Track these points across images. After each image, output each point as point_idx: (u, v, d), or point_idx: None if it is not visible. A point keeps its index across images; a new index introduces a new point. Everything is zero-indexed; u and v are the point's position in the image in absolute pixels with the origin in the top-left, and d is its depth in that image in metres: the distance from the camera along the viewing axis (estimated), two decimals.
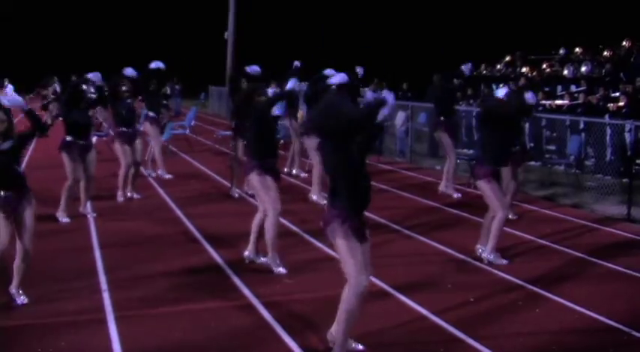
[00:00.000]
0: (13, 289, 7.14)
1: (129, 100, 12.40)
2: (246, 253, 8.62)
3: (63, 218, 10.79)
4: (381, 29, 57.62)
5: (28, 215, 7.03)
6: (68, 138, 10.77)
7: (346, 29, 59.92)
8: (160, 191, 13.50)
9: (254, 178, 8.33)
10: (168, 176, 14.79)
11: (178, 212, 11.58)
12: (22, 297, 7.10)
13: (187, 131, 21.35)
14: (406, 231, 10.34)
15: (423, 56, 50.29)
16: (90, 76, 11.80)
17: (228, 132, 16.54)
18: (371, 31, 58.62)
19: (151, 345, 6.15)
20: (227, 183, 13.49)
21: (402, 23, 56.57)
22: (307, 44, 59.79)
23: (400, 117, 18.91)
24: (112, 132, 12.69)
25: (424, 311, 7.01)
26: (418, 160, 18.06)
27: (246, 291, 7.54)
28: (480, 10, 50.18)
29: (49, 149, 11.55)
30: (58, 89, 25.86)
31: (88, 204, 11.23)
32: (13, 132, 7.03)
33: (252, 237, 8.58)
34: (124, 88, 12.16)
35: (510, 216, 10.81)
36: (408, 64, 46.25)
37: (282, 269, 8.22)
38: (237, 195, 12.76)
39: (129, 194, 12.56)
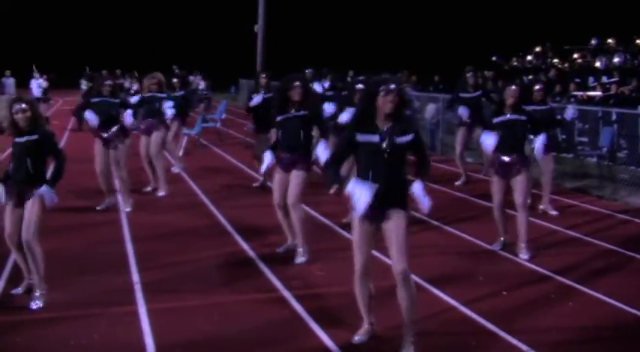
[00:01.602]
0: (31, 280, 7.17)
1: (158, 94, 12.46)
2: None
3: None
4: (413, 21, 57.34)
5: (29, 206, 6.88)
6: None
7: (377, 22, 59.77)
8: (191, 184, 13.53)
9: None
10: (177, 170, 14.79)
11: (209, 204, 11.60)
12: (35, 302, 6.93)
13: (218, 124, 21.40)
14: (436, 223, 10.27)
15: (455, 48, 50.04)
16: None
17: None
18: (402, 22, 58.41)
19: (182, 338, 6.14)
20: (257, 176, 13.48)
21: (433, 15, 56.27)
22: (337, 37, 59.76)
23: (431, 109, 18.79)
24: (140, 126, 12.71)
25: (455, 303, 6.95)
26: (449, 152, 17.95)
27: (277, 284, 7.52)
28: (511, 1, 49.75)
29: (82, 142, 11.58)
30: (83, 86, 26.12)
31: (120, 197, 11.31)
32: (38, 125, 7.02)
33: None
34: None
35: (552, 212, 10.90)
36: (440, 56, 46.01)
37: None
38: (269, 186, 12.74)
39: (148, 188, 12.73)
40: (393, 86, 5.55)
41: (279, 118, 8.42)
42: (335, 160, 5.97)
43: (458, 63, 24.63)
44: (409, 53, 49.63)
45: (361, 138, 5.64)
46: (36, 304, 6.85)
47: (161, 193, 12.40)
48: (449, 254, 8.85)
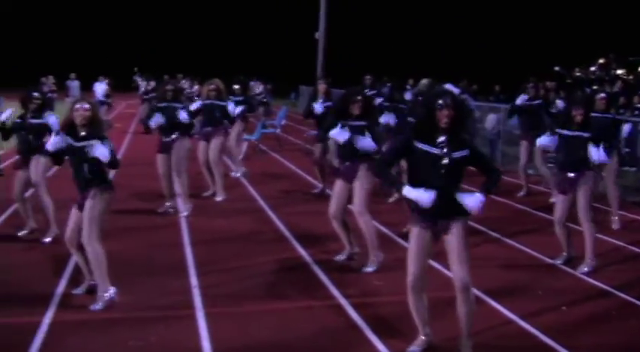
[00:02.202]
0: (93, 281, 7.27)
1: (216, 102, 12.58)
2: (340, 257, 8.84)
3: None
4: (475, 30, 56.97)
5: (87, 207, 6.95)
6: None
7: (440, 29, 59.49)
8: (250, 189, 13.60)
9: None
10: (237, 174, 14.94)
11: (268, 210, 11.64)
12: (108, 293, 7.06)
13: (278, 130, 21.49)
14: (496, 235, 10.16)
15: (517, 57, 49.53)
16: None
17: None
18: (464, 31, 58.05)
19: (239, 343, 6.16)
20: (316, 183, 13.49)
21: (495, 24, 55.82)
22: (397, 45, 59.62)
23: (491, 119, 18.59)
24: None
25: (513, 317, 6.85)
26: (509, 163, 17.72)
27: (334, 291, 7.51)
28: (574, 11, 49.10)
29: (144, 146, 11.75)
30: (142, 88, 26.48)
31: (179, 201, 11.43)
32: (98, 128, 7.07)
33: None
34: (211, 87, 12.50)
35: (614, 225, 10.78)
36: (501, 66, 45.61)
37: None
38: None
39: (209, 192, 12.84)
40: (449, 100, 5.51)
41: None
42: (388, 161, 5.96)
43: (519, 72, 24.39)
44: (470, 62, 49.28)
45: (419, 145, 5.61)
46: (97, 305, 6.95)
47: (219, 198, 12.50)
48: (508, 266, 8.74)
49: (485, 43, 55.32)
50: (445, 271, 7.45)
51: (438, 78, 16.67)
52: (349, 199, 8.46)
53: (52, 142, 7.10)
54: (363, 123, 8.33)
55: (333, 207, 8.52)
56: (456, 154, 5.57)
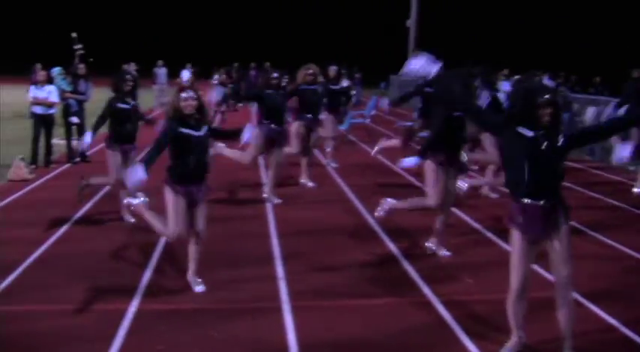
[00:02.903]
0: (190, 277, 7.36)
1: (313, 87, 12.65)
2: (428, 244, 8.75)
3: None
4: (576, 20, 55.74)
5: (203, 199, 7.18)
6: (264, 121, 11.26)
7: (538, 19, 58.40)
8: (339, 180, 13.58)
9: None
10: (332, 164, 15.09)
11: (356, 202, 11.60)
12: (198, 286, 7.27)
13: (367, 120, 21.41)
14: (592, 233, 9.87)
15: (619, 48, 48.22)
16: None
17: (409, 123, 16.49)
18: (564, 21, 56.87)
19: (326, 338, 6.15)
20: (405, 175, 13.39)
21: (597, 15, 54.51)
22: (492, 33, 58.75)
23: (591, 112, 18.11)
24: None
25: (615, 322, 6.62)
26: (608, 158, 17.23)
27: (425, 288, 7.42)
28: None
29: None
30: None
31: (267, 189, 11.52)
32: (205, 117, 7.18)
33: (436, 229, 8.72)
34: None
35: None
36: (602, 57, 44.49)
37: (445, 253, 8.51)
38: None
39: (302, 181, 12.88)
40: (549, 97, 5.39)
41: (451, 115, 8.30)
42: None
43: (621, 64, 23.69)
44: (570, 52, 48.24)
45: (521, 130, 5.48)
46: (199, 288, 7.23)
47: (310, 184, 12.73)
48: (607, 267, 8.47)
49: (586, 35, 54.05)
50: (542, 271, 7.28)
51: (534, 68, 16.32)
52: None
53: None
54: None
55: (436, 197, 8.44)
56: (558, 144, 5.44)
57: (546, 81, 18.11)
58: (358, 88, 30.75)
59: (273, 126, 11.26)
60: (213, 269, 7.69)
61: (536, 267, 7.43)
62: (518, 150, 5.45)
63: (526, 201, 5.45)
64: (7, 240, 9.01)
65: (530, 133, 5.42)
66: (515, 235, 5.59)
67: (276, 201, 11.32)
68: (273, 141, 11.29)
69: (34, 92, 14.44)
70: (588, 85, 26.10)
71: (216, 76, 26.82)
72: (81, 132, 15.07)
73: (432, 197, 8.39)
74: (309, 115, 12.64)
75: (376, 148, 12.62)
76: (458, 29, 59.48)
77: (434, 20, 47.49)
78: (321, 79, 13.90)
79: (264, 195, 11.51)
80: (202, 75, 34.61)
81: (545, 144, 5.38)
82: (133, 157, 9.76)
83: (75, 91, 15.12)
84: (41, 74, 14.57)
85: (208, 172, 7.19)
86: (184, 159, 6.98)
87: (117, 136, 9.78)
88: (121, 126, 9.75)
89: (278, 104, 11.29)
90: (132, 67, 27.62)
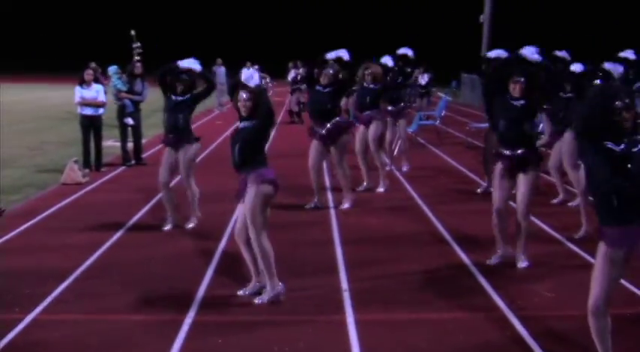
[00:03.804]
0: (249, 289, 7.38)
1: (372, 86, 12.63)
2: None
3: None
4: None
5: (249, 197, 7.10)
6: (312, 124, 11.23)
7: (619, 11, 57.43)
8: (407, 185, 13.50)
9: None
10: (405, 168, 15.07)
11: (426, 209, 11.51)
12: (262, 297, 7.23)
13: (437, 122, 21.27)
14: None
15: None
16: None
17: (483, 125, 16.32)
18: None
19: None
20: (481, 181, 13.26)
21: None
22: (573, 25, 57.89)
23: None
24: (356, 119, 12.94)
25: None
26: None
27: (499, 302, 7.28)
28: None
29: (294, 137, 11.87)
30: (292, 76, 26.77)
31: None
32: (259, 111, 7.21)
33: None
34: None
35: None
36: None
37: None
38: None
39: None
40: (628, 101, 5.18)
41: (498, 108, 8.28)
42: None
43: None
44: None
45: (605, 145, 5.29)
46: (261, 299, 7.16)
47: (380, 189, 12.76)
48: None
49: None
50: (628, 285, 7.11)
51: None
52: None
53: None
54: (524, 102, 8.20)
55: (496, 199, 8.41)
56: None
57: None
58: (430, 86, 30.39)
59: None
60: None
61: (624, 282, 7.28)
62: (602, 164, 5.27)
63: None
64: (60, 246, 9.16)
65: (615, 146, 5.22)
66: (602, 248, 5.37)
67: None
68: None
69: (80, 92, 14.54)
70: None
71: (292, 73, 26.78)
72: (136, 134, 15.26)
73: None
74: (368, 113, 12.74)
75: None
76: (535, 23, 58.74)
77: (509, 15, 46.99)
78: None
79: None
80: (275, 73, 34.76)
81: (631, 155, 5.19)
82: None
83: (131, 91, 15.24)
84: (88, 73, 14.67)
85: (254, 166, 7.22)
86: None
87: (170, 132, 10.01)
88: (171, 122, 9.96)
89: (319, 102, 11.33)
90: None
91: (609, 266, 5.33)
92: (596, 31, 56.50)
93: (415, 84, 27.39)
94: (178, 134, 9.79)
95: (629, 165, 5.18)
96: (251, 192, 7.07)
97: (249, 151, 7.16)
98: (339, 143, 11.28)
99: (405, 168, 15.04)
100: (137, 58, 16.00)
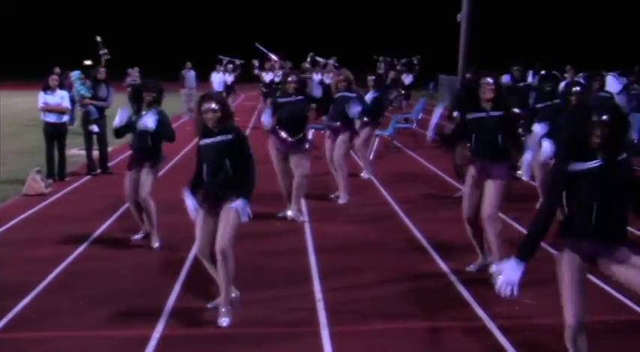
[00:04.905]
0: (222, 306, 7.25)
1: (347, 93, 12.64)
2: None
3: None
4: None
5: (224, 215, 7.02)
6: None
7: (596, 7, 57.97)
8: (382, 191, 13.51)
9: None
10: (367, 176, 14.92)
11: (402, 216, 11.52)
12: (223, 319, 7.00)
13: (414, 125, 21.31)
14: None
15: None
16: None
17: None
18: (629, 12, 56.43)
19: None
20: (459, 185, 13.29)
21: None
22: (553, 28, 58.35)
23: None
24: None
25: None
26: None
27: (479, 311, 7.30)
28: None
29: (264, 141, 11.82)
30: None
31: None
32: (230, 124, 7.15)
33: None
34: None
35: None
36: None
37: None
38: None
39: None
40: (605, 117, 5.11)
41: (469, 117, 8.27)
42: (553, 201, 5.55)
43: None
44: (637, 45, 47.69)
45: (578, 166, 5.28)
46: (224, 321, 6.97)
47: (342, 201, 12.53)
48: None
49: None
50: (612, 291, 7.14)
51: (600, 66, 16.15)
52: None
53: None
54: (500, 113, 8.16)
55: (465, 209, 8.48)
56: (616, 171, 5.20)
57: (612, 79, 17.92)
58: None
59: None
60: (244, 288, 7.63)
61: (605, 286, 7.32)
62: (579, 184, 5.26)
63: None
64: (20, 260, 9.08)
65: (589, 164, 5.20)
66: (563, 257, 5.37)
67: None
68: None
69: (44, 98, 14.41)
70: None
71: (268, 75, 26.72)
72: (102, 141, 15.16)
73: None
74: (337, 123, 12.62)
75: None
76: (515, 23, 59.16)
77: (488, 13, 47.26)
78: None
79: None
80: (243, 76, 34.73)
81: (606, 173, 5.16)
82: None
83: (95, 97, 15.13)
84: (53, 78, 14.57)
85: (235, 182, 7.16)
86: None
87: (134, 151, 9.89)
88: (136, 142, 9.84)
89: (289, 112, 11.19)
90: (135, 72, 28.19)
91: (576, 279, 5.29)
92: (574, 29, 56.97)
93: (397, 85, 27.56)
94: (145, 155, 9.74)
95: (597, 181, 5.19)
96: (232, 211, 7.00)
97: (238, 166, 7.13)
98: (300, 151, 11.20)
99: (367, 175, 14.96)
100: (103, 64, 15.96)
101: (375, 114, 14.47)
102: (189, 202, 7.16)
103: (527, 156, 8.98)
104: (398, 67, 31.60)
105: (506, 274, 5.27)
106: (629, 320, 5.57)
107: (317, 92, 13.38)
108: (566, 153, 5.40)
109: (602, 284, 7.42)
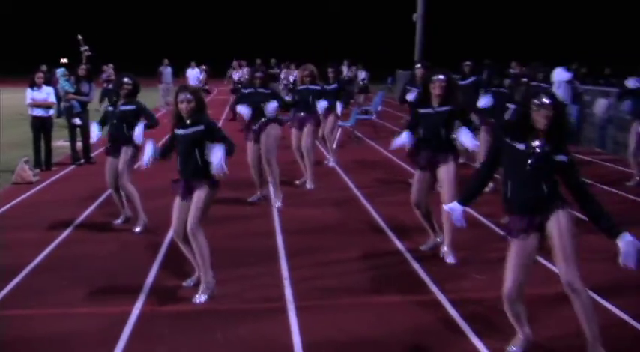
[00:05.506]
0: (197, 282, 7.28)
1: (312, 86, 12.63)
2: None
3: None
4: (583, 10, 55.59)
5: (195, 197, 7.02)
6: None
7: (544, 10, 58.25)
8: (345, 178, 13.54)
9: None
10: (332, 164, 14.93)
11: (363, 200, 11.56)
12: (199, 296, 7.03)
13: (373, 116, 21.35)
14: None
15: (628, 38, 48.03)
16: None
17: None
18: (569, 11, 56.71)
19: (331, 338, 6.10)
20: (413, 171, 13.34)
21: (605, 5, 54.33)
22: (501, 26, 58.58)
23: (601, 104, 17.98)
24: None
25: (625, 317, 6.56)
26: (620, 151, 17.15)
27: (432, 286, 7.37)
28: None
29: (236, 134, 11.83)
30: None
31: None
32: (202, 116, 7.14)
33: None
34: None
35: None
36: (611, 48, 44.30)
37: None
38: None
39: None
40: (546, 100, 5.23)
41: (420, 112, 8.31)
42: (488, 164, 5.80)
43: (631, 54, 23.55)
44: (579, 43, 48.04)
45: (509, 142, 5.39)
46: (199, 298, 6.98)
47: (309, 186, 12.54)
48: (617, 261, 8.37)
49: (593, 24, 53.84)
50: (549, 266, 7.22)
51: (545, 62, 16.26)
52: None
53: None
54: (447, 108, 8.19)
55: (414, 194, 8.51)
56: (551, 157, 5.29)
57: (561, 71, 18.07)
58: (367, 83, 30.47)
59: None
60: (216, 268, 7.61)
61: (544, 261, 7.40)
62: (507, 160, 5.46)
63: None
64: (10, 244, 9.01)
65: (519, 145, 5.35)
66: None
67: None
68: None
69: (31, 94, 14.36)
70: (598, 76, 25.95)
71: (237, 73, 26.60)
72: (85, 133, 15.07)
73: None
74: (302, 114, 12.65)
75: None
76: (467, 21, 59.29)
77: (442, 13, 47.36)
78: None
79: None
80: (215, 72, 34.60)
81: (532, 158, 5.29)
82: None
83: (78, 93, 15.08)
84: (39, 76, 14.49)
85: (205, 171, 7.10)
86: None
87: (112, 140, 9.82)
88: (114, 131, 9.76)
89: (255, 103, 11.14)
90: (110, 68, 28.10)
91: (514, 253, 5.45)
92: (528, 28, 57.25)
93: (355, 81, 27.55)
94: (120, 142, 9.67)
95: (528, 162, 5.27)
96: (201, 194, 7.01)
97: (204, 160, 7.08)
98: (269, 140, 11.18)
99: (332, 163, 14.99)
100: (85, 61, 15.84)
101: (342, 100, 14.54)
102: (148, 150, 7.37)
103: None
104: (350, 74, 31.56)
105: (453, 213, 5.89)
106: (562, 292, 5.66)
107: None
108: (506, 131, 5.52)
109: (539, 258, 7.49)
